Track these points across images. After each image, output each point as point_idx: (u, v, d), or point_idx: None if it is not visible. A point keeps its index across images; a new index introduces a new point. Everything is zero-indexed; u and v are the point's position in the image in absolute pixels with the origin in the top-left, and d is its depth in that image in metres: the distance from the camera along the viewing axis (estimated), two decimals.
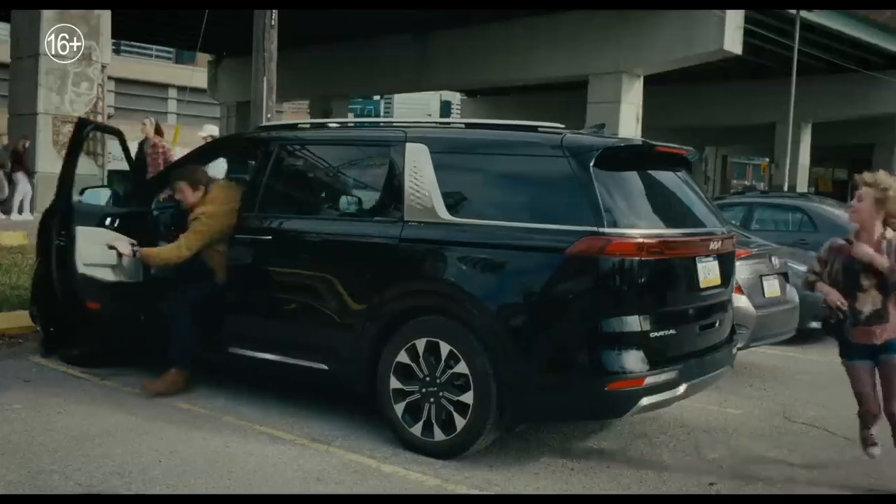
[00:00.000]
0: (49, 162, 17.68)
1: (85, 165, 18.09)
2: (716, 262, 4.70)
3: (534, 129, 4.74)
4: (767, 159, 47.56)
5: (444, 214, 4.49)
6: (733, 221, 10.47)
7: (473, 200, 4.57)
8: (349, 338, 4.74)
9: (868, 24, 34.09)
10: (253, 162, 5.70)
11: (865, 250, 4.20)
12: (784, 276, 7.25)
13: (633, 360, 4.13)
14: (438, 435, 4.42)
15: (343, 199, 5.41)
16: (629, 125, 28.09)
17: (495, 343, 4.27)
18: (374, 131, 5.53)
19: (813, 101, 39.37)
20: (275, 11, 11.87)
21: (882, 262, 4.14)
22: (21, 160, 17.61)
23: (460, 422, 4.35)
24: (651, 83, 29.17)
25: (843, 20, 32.67)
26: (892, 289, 4.20)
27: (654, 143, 4.83)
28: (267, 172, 5.31)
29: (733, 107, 40.17)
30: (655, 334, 4.21)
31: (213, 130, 13.27)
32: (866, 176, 4.25)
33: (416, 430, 4.46)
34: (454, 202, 4.52)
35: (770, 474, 4.52)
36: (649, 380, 4.14)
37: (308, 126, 5.92)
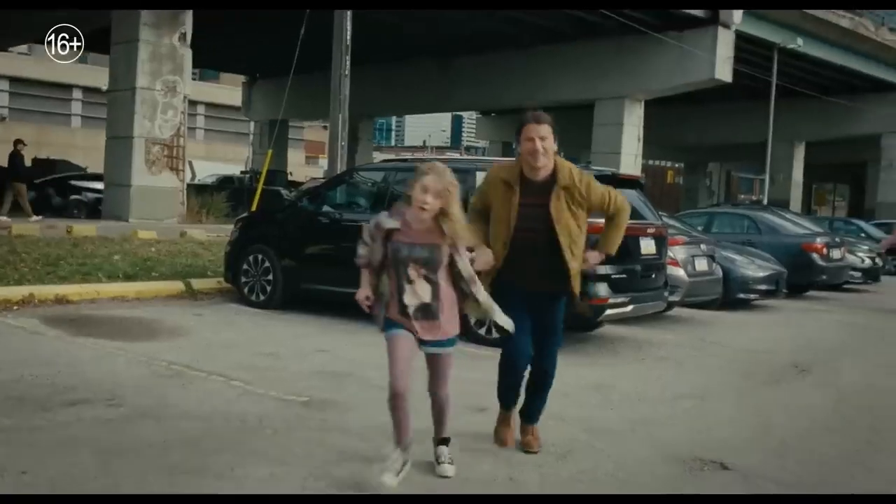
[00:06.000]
0: (141, 177, 21.29)
1: (168, 180, 21.88)
2: (652, 240, 8.28)
3: None
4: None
5: None
6: (699, 227, 14.12)
7: None
8: None
9: (852, 53, 37.12)
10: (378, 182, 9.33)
11: None
12: (711, 257, 10.84)
13: (603, 289, 7.69)
14: None
15: None
16: (631, 144, 31.23)
17: None
18: (461, 164, 9.12)
19: (803, 121, 42.39)
20: (349, 33, 15.03)
21: None
22: None
23: None
24: (654, 104, 32.21)
25: (828, 49, 35.69)
26: None
27: (618, 172, 8.42)
28: (392, 185, 8.93)
29: (730, 125, 42.87)
30: (615, 276, 7.76)
31: None
32: None
33: None
34: None
35: (677, 356, 8.06)
36: (611, 300, 7.70)
37: (413, 160, 9.54)
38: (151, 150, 21.53)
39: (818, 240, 14.18)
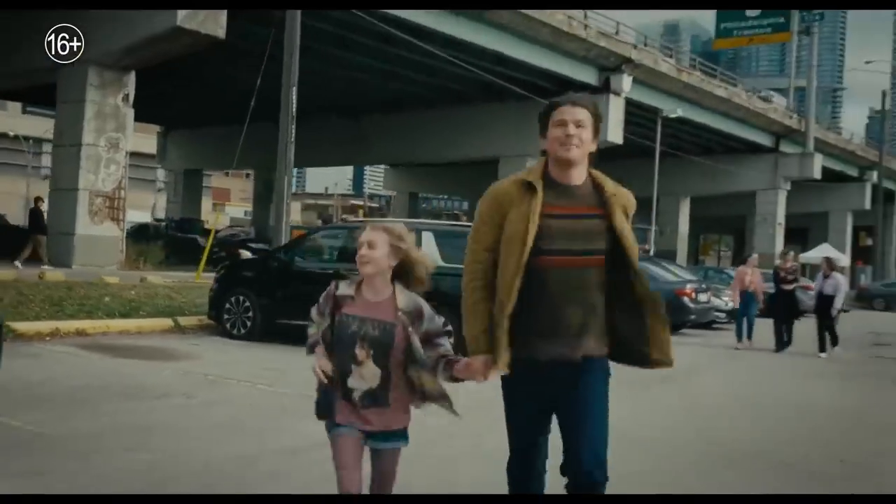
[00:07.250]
0: (85, 226, 22.98)
1: (110, 229, 23.61)
2: None
3: (461, 223, 10.87)
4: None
5: (441, 263, 10.49)
6: None
7: (460, 254, 10.59)
8: None
9: (729, 118, 41.30)
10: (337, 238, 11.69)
11: None
12: None
13: None
14: None
15: None
16: None
17: None
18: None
19: (688, 179, 46.39)
20: (294, 106, 17.36)
21: None
22: None
23: None
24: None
25: (707, 115, 39.69)
26: None
27: None
28: (343, 240, 11.30)
29: (624, 181, 46.62)
30: None
31: None
32: None
33: None
34: (447, 257, 10.52)
35: None
36: None
37: (370, 221, 11.94)
38: (95, 201, 23.30)
39: (688, 286, 17.14)
